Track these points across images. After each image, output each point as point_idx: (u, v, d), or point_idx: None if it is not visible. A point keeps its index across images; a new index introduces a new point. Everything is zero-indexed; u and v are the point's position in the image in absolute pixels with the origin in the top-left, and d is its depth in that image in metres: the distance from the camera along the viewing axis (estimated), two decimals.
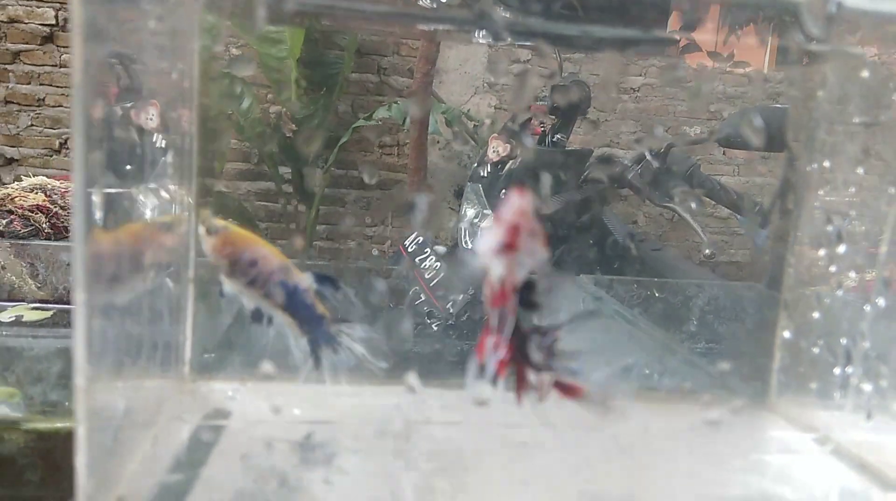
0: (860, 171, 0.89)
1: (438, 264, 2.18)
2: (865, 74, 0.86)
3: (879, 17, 0.73)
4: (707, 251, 3.12)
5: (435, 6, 0.83)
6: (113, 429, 0.71)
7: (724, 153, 3.96)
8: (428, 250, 2.35)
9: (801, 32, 0.69)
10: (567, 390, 0.77)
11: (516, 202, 0.67)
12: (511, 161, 3.17)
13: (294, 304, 0.86)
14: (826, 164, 0.94)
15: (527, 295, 0.73)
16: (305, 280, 0.87)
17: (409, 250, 2.34)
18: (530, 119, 3.39)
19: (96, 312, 0.62)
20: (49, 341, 1.24)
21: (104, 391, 0.67)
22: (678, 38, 0.86)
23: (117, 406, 0.73)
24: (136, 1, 0.73)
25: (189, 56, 0.90)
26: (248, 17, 0.75)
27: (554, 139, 3.26)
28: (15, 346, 1.23)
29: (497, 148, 3.16)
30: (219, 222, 0.85)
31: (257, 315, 0.87)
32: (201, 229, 0.84)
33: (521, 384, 0.76)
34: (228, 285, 0.85)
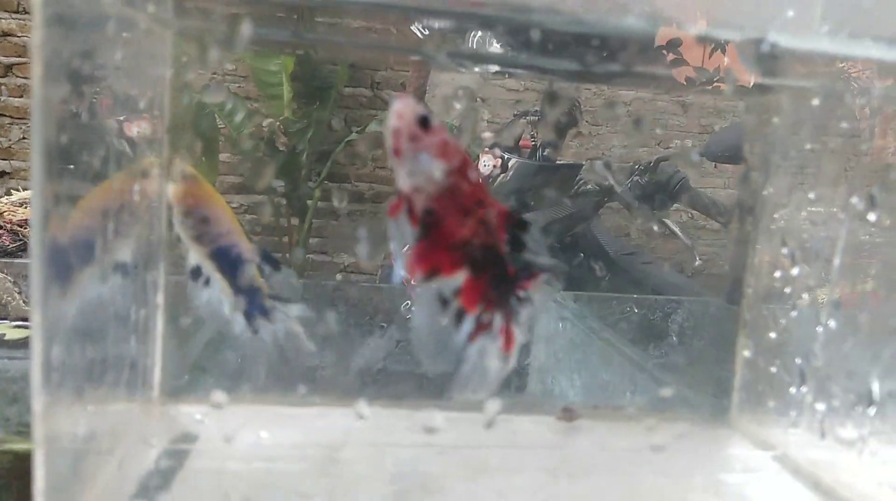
0: (811, 195, 0.92)
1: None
2: (816, 102, 0.89)
3: (813, 55, 0.76)
4: (697, 264, 3.15)
5: (425, 34, 0.85)
6: (73, 454, 0.72)
7: (715, 166, 3.99)
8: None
9: (734, 77, 0.72)
10: (508, 342, 0.75)
11: (394, 107, 0.67)
12: (501, 175, 3.20)
13: (234, 270, 0.89)
14: (782, 187, 0.97)
15: (516, 234, 0.74)
16: (251, 252, 0.90)
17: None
18: (522, 133, 3.43)
19: (55, 332, 0.65)
20: (26, 362, 1.26)
21: (64, 415, 0.69)
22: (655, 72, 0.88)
23: (78, 431, 0.75)
24: (101, 26, 0.76)
25: (160, 82, 0.93)
26: (227, 44, 0.78)
27: (545, 153, 3.29)
28: None
29: (487, 162, 3.19)
30: (188, 171, 0.86)
31: (196, 273, 0.89)
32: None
33: (482, 327, 0.73)
34: (179, 230, 0.87)
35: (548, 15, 0.67)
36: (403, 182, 0.70)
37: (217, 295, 0.91)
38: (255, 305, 0.90)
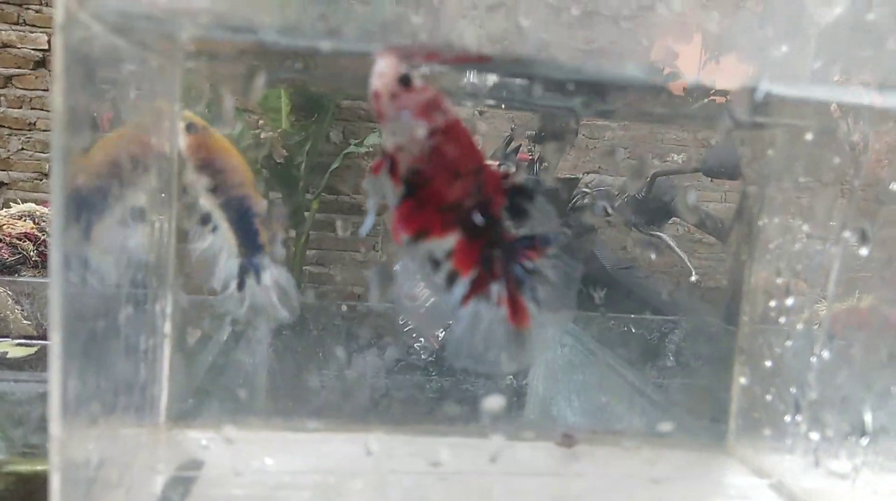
0: (806, 227, 0.95)
1: (428, 290, 2.20)
2: (809, 137, 0.92)
3: (804, 101, 0.79)
4: (693, 278, 3.18)
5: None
6: (87, 481, 0.74)
7: (711, 181, 4.03)
8: (417, 276, 2.38)
9: (728, 117, 0.75)
10: (517, 313, 0.73)
11: (375, 67, 0.67)
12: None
13: (243, 224, 0.90)
14: (776, 219, 1.00)
15: (515, 200, 0.72)
16: (260, 205, 0.91)
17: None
18: (520, 146, 3.45)
19: (74, 357, 0.67)
20: (31, 385, 1.28)
21: (79, 440, 0.71)
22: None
23: (91, 457, 0.77)
24: (117, 65, 0.79)
25: (170, 117, 0.95)
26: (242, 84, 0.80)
27: (543, 167, 3.32)
28: None
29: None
30: (200, 123, 0.88)
31: (206, 219, 0.91)
32: (181, 125, 0.86)
33: (476, 289, 0.73)
34: (193, 183, 0.89)
35: (550, 67, 0.70)
36: (387, 141, 0.70)
37: (220, 243, 0.93)
38: (253, 262, 0.91)
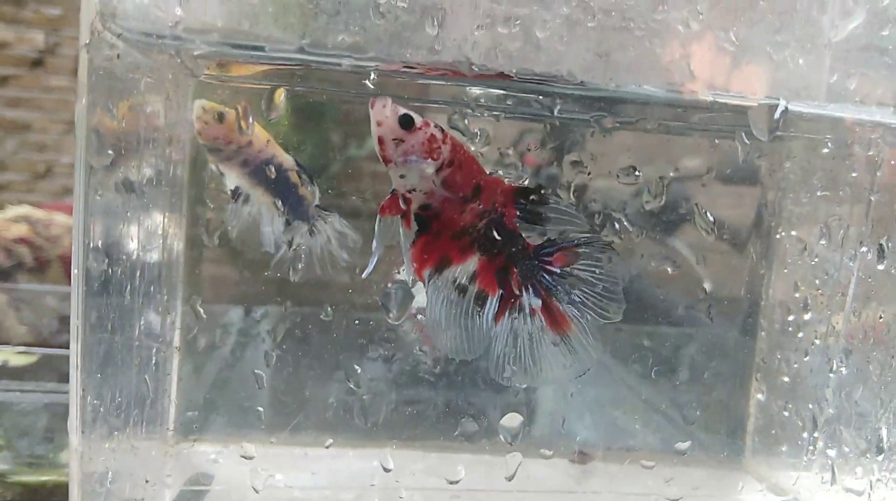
0: (823, 242, 0.97)
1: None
2: (826, 151, 0.95)
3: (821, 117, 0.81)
4: (705, 287, 3.18)
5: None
6: (104, 495, 0.77)
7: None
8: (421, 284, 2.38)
9: (745, 135, 0.77)
10: (555, 319, 0.75)
11: (373, 114, 0.68)
12: None
13: (280, 183, 0.92)
14: (793, 233, 1.02)
15: (527, 205, 0.73)
16: (287, 161, 0.93)
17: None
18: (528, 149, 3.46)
19: (93, 371, 0.69)
20: (36, 395, 1.31)
21: (96, 453, 0.73)
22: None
23: (106, 469, 0.79)
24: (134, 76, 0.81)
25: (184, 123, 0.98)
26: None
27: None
28: (3, 400, 1.29)
29: None
30: (214, 108, 0.88)
31: (235, 193, 0.92)
32: (205, 116, 0.86)
33: (506, 305, 0.74)
34: (215, 165, 0.90)
35: (570, 85, 0.73)
36: (397, 184, 0.72)
37: (257, 210, 0.94)
38: (300, 213, 0.93)
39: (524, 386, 0.77)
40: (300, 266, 0.96)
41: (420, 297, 0.89)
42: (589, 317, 0.75)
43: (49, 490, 1.13)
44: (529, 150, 0.92)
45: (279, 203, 0.93)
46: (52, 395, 1.31)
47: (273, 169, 0.92)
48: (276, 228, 0.93)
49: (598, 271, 0.75)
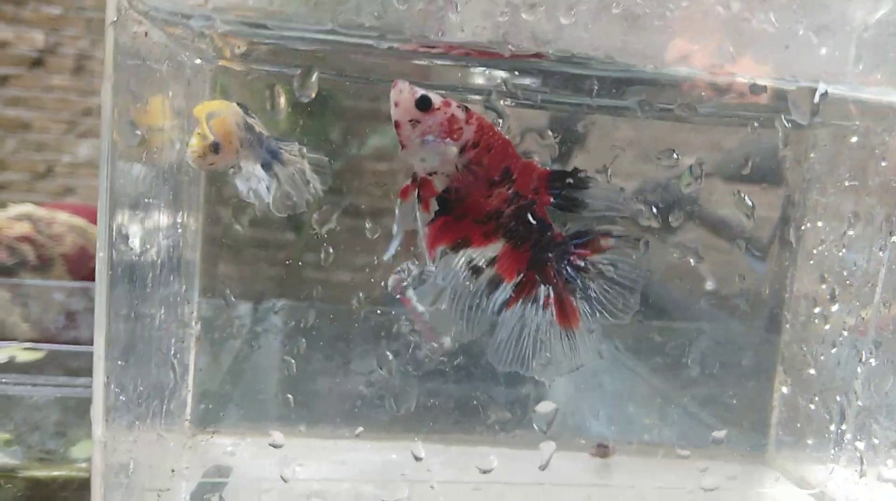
0: (851, 233, 0.96)
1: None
2: (854, 139, 0.94)
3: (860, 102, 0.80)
4: (709, 285, 3.18)
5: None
6: (125, 487, 0.75)
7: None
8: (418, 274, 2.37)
9: (785, 119, 0.76)
10: (566, 314, 0.73)
11: (391, 96, 0.66)
12: None
13: (258, 141, 0.91)
14: (819, 223, 1.01)
15: (561, 190, 0.70)
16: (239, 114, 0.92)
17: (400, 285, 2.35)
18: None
19: (116, 361, 0.68)
20: (47, 389, 1.29)
21: (118, 445, 0.72)
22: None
23: (127, 461, 0.78)
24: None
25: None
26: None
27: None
28: (14, 394, 1.28)
29: None
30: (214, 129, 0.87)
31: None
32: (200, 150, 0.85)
33: (520, 293, 0.72)
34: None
35: (604, 66, 0.71)
36: (417, 167, 0.70)
37: (247, 173, 0.93)
38: (264, 151, 0.92)
39: (528, 377, 0.75)
40: (289, 203, 0.94)
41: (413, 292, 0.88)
42: (599, 315, 0.74)
43: (60, 485, 1.12)
44: (556, 137, 0.90)
45: (254, 154, 0.92)
46: (63, 389, 1.29)
47: (260, 141, 0.91)
48: (261, 174, 0.93)
49: (620, 270, 0.73)
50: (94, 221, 2.44)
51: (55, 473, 1.12)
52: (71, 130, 4.55)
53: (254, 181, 0.91)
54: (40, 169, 4.49)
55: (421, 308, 0.90)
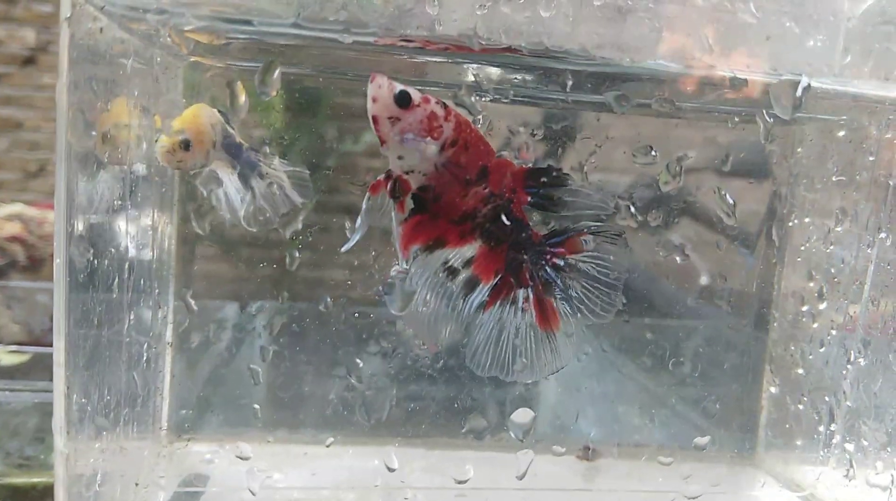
0: (839, 229, 0.93)
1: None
2: (842, 134, 0.91)
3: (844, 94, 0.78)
4: (702, 281, 3.16)
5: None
6: (93, 497, 0.73)
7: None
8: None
9: (767, 114, 0.74)
10: (546, 316, 0.71)
11: (369, 91, 0.64)
12: None
13: (232, 150, 0.89)
14: (806, 220, 0.99)
15: (539, 188, 0.69)
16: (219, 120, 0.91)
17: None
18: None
19: (78, 367, 0.66)
20: (26, 395, 1.27)
21: (84, 454, 0.70)
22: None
23: (95, 470, 0.76)
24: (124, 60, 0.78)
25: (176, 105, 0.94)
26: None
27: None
28: None
29: None
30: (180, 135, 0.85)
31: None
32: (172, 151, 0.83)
33: (497, 295, 0.71)
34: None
35: (581, 59, 0.69)
36: (394, 165, 0.67)
37: (226, 185, 0.92)
38: (243, 160, 0.90)
39: (503, 381, 0.73)
40: (262, 218, 0.92)
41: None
42: (580, 316, 0.72)
43: (40, 492, 1.10)
44: (534, 134, 0.88)
45: (234, 162, 0.91)
46: (42, 394, 1.27)
47: (233, 148, 0.89)
48: (236, 185, 0.91)
49: (601, 267, 0.71)
50: None
51: (34, 480, 1.10)
52: None
53: (230, 190, 0.89)
54: (32, 168, 4.46)
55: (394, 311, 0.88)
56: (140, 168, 0.83)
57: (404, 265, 0.71)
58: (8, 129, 4.50)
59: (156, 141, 0.80)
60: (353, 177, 1.03)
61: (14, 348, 1.74)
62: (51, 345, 1.84)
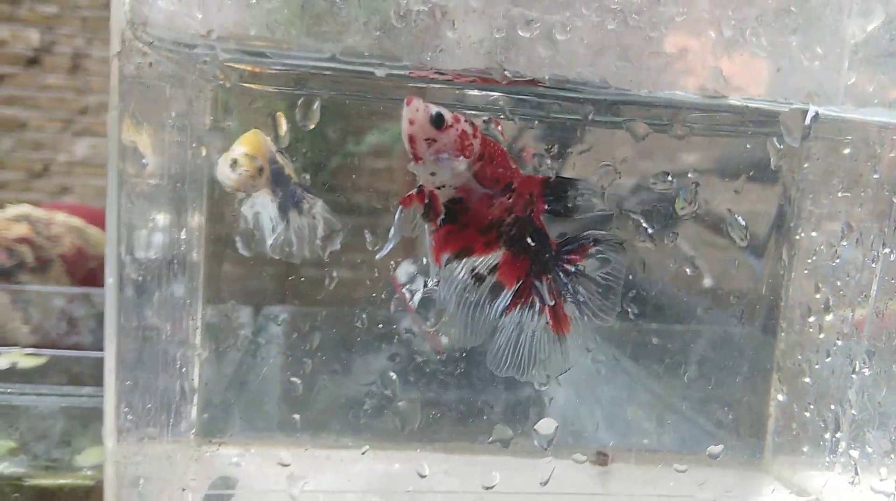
0: (845, 243, 0.98)
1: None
2: (847, 151, 0.96)
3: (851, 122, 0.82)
4: (705, 283, 3.19)
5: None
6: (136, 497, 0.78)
7: None
8: (422, 280, 2.38)
9: (777, 141, 0.78)
10: (558, 319, 0.77)
11: (405, 112, 0.68)
12: None
13: (278, 181, 0.94)
14: (813, 233, 1.03)
15: (554, 199, 0.75)
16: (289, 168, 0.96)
17: (400, 281, 2.36)
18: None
19: (127, 372, 0.70)
20: (52, 399, 1.32)
21: (127, 456, 0.74)
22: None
23: (137, 473, 0.80)
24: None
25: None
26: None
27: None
28: (19, 403, 1.30)
29: None
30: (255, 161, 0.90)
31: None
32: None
33: (518, 299, 0.76)
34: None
35: (598, 90, 0.73)
36: (426, 181, 0.73)
37: (259, 206, 0.97)
38: (288, 193, 0.96)
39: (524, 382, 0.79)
40: (287, 250, 0.98)
41: (418, 296, 0.91)
42: (587, 318, 0.78)
43: (66, 494, 1.14)
44: (548, 150, 0.93)
45: (277, 191, 0.96)
46: (69, 398, 1.31)
47: (279, 176, 0.95)
48: (273, 213, 0.96)
49: (602, 271, 0.77)
50: (91, 220, 2.45)
51: (61, 481, 1.15)
52: (67, 129, 4.55)
53: (264, 216, 0.94)
54: (37, 168, 4.50)
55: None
56: (178, 181, 0.88)
57: (434, 278, 0.77)
58: (12, 129, 4.54)
59: (219, 164, 0.85)
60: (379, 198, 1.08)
61: (31, 351, 1.77)
62: (68, 348, 1.87)
